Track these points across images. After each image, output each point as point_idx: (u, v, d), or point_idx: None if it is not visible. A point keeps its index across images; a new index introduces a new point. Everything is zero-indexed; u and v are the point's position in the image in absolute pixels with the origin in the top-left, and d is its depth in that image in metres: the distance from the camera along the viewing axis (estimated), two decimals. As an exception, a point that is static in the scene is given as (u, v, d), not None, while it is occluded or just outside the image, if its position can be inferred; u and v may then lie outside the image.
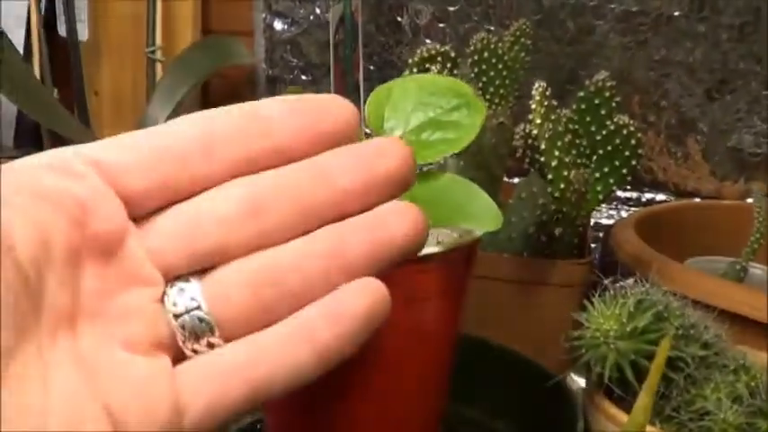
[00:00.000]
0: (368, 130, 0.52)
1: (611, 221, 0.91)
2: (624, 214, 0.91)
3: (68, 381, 0.23)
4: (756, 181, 0.88)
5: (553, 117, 0.57)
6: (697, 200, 0.90)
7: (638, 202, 0.92)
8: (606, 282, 0.54)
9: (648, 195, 0.92)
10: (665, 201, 0.91)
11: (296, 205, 0.25)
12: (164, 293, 0.25)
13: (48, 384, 0.22)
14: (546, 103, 0.56)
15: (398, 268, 0.46)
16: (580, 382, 0.61)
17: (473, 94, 0.51)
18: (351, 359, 0.47)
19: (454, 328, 0.51)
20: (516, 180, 0.87)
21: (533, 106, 0.56)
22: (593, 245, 0.77)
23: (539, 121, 0.56)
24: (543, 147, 0.56)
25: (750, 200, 0.87)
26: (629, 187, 0.91)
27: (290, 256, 0.25)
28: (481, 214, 0.46)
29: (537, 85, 0.57)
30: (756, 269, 0.75)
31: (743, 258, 0.72)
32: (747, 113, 0.86)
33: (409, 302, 0.48)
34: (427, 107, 0.52)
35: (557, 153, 0.58)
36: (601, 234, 0.89)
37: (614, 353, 0.52)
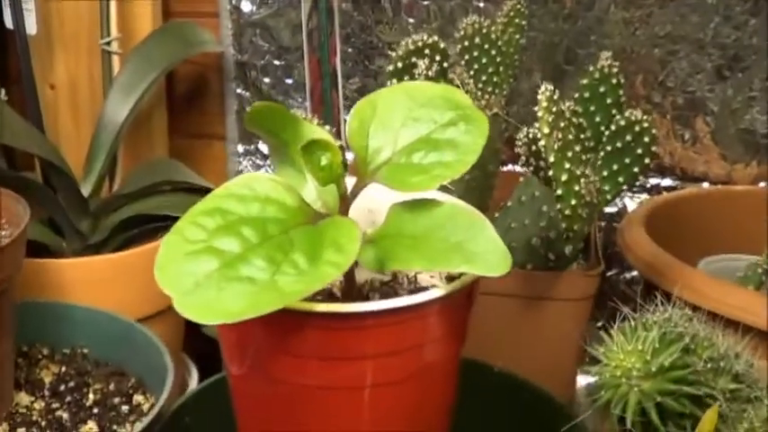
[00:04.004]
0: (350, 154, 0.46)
1: (614, 209, 0.86)
2: (628, 200, 0.87)
3: None
4: (769, 164, 0.85)
5: (562, 124, 0.51)
6: (705, 184, 0.86)
7: (642, 188, 0.88)
8: (626, 311, 0.48)
9: (654, 180, 0.87)
10: (672, 186, 0.87)
11: None
12: None
13: None
14: (554, 110, 0.49)
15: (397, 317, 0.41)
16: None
17: (472, 106, 0.44)
18: (349, 402, 0.42)
19: (455, 367, 0.48)
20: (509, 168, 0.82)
21: (540, 114, 0.50)
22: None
23: (546, 130, 0.50)
24: (552, 160, 0.50)
25: (763, 183, 0.83)
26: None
27: None
28: (486, 254, 0.40)
29: (543, 88, 0.50)
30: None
31: (764, 257, 0.66)
32: (761, 92, 0.82)
33: (408, 351, 0.44)
34: (418, 122, 0.46)
35: (567, 165, 0.51)
36: (603, 223, 0.85)
37: (637, 394, 0.47)
